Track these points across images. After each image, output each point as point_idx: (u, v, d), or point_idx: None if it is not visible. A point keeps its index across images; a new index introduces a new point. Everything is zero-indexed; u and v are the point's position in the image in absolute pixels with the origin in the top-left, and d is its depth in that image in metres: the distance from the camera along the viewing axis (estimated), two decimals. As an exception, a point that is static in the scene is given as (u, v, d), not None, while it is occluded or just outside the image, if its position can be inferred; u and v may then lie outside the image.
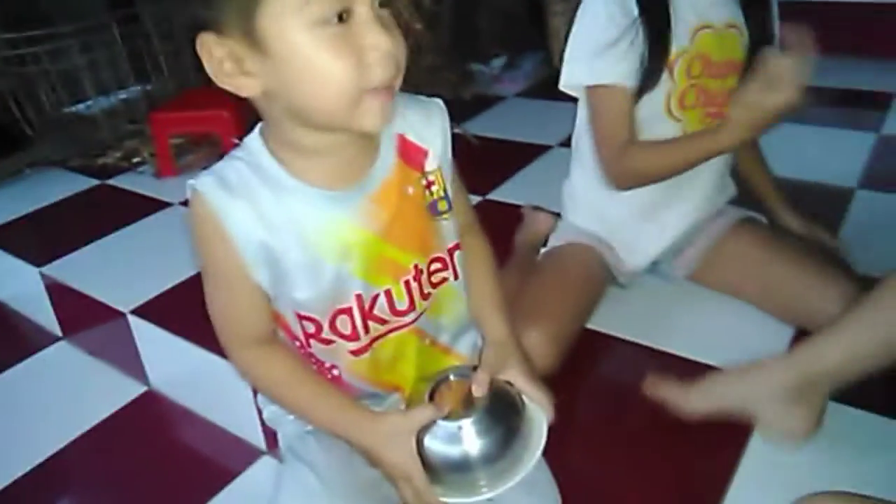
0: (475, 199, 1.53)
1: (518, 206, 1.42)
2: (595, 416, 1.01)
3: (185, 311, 1.26)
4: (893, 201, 1.44)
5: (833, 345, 0.83)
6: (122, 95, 2.20)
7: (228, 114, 1.73)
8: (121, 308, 1.30)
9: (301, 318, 0.68)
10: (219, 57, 0.57)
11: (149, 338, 1.28)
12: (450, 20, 2.21)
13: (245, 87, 0.59)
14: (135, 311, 1.29)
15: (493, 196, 1.60)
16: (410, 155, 0.68)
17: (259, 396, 0.80)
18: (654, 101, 1.00)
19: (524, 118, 2.07)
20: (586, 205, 1.16)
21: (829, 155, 1.68)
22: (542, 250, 1.18)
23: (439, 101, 0.72)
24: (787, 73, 0.78)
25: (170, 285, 1.35)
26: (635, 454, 0.92)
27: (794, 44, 0.79)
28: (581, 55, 1.01)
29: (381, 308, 0.68)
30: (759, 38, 1.00)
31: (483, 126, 1.97)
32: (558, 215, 1.25)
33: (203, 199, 0.62)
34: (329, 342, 0.69)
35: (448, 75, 2.18)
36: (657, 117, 1.01)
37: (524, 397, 0.69)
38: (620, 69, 0.97)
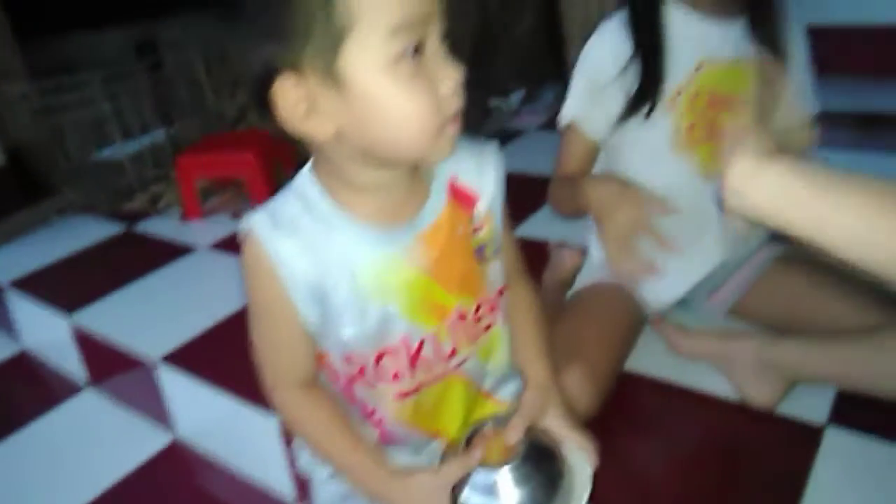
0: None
1: (544, 243, 1.40)
2: (639, 462, 0.97)
3: (213, 358, 1.26)
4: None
5: (822, 354, 0.93)
6: (147, 140, 2.24)
7: (253, 157, 1.75)
8: (147, 356, 1.30)
9: (346, 358, 0.67)
10: (294, 100, 0.57)
11: (176, 386, 1.27)
12: (468, 57, 2.22)
13: (318, 129, 0.58)
14: (161, 360, 1.28)
15: (517, 233, 1.58)
16: (461, 197, 0.68)
17: (295, 443, 0.79)
18: (658, 138, 0.99)
19: (546, 152, 2.03)
20: None
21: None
22: (571, 291, 1.15)
23: (494, 145, 0.72)
24: None
25: (197, 332, 1.34)
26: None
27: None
28: (570, 93, 1.02)
29: (428, 352, 0.68)
30: (772, 72, 0.98)
31: (504, 161, 1.96)
32: (585, 250, 1.23)
33: (256, 239, 0.62)
34: (373, 384, 0.68)
35: (467, 112, 2.18)
36: (664, 154, 1.00)
37: (566, 445, 0.67)
38: (588, 113, 1.00)
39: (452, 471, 0.63)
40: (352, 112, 0.56)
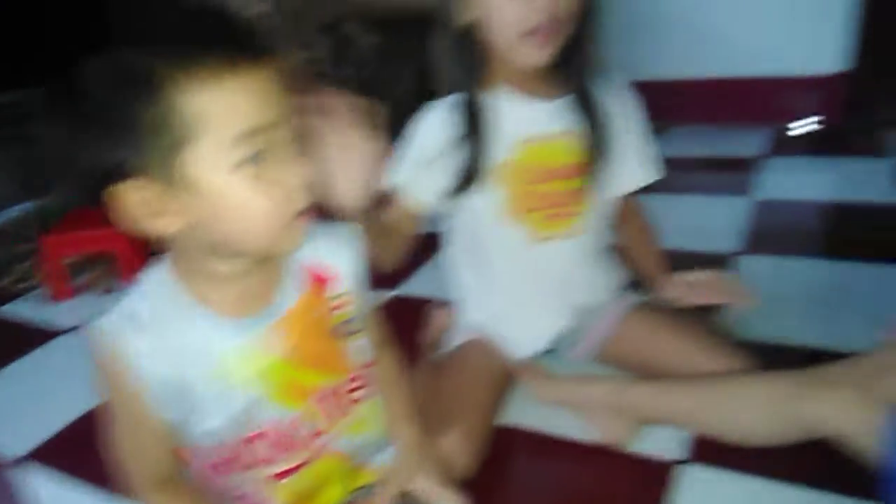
0: (383, 294, 1.54)
1: (425, 301, 1.43)
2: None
3: (84, 452, 1.19)
4: (778, 264, 1.53)
5: (670, 400, 0.99)
6: (14, 213, 2.12)
7: (125, 231, 1.68)
8: (7, 456, 1.22)
9: (216, 447, 0.67)
10: (137, 201, 0.57)
11: (42, 486, 1.18)
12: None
13: (163, 226, 0.59)
14: (26, 457, 1.21)
15: (400, 291, 1.61)
16: (318, 280, 0.70)
17: None
18: (490, 207, 1.06)
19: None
20: (469, 299, 1.19)
21: (708, 222, 1.78)
22: (442, 350, 1.18)
23: (351, 227, 0.74)
24: None
25: (66, 423, 1.27)
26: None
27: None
28: (399, 162, 1.06)
29: (297, 433, 0.69)
30: (596, 141, 1.04)
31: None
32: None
33: (109, 340, 0.62)
34: (244, 469, 0.68)
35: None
36: (497, 222, 1.07)
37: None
38: (413, 184, 1.05)
39: None
40: (199, 210, 0.58)
